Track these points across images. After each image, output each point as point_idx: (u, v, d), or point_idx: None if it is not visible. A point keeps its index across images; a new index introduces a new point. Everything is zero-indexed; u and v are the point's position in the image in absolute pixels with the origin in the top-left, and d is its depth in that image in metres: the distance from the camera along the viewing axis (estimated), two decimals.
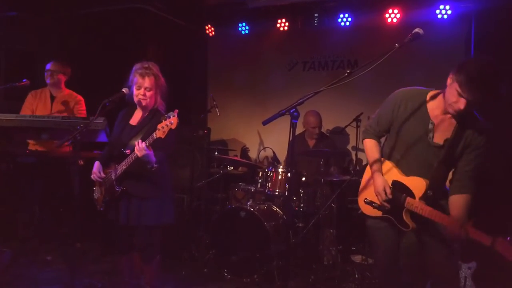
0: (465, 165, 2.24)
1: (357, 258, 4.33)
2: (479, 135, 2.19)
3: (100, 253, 4.22)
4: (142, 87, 2.82)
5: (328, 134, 5.19)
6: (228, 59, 6.22)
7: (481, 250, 3.36)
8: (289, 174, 4.07)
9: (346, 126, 4.79)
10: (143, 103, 2.86)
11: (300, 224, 4.13)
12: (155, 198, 2.85)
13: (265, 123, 2.18)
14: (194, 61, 6.30)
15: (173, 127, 2.50)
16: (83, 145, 2.82)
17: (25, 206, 4.27)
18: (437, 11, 4.79)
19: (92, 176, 2.90)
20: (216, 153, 4.71)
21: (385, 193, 2.25)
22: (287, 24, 5.50)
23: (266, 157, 5.47)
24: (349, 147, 5.46)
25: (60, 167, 4.00)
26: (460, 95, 2.02)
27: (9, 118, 3.63)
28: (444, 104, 2.15)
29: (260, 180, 4.25)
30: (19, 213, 4.32)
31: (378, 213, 2.38)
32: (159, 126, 2.52)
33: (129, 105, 2.99)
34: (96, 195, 2.97)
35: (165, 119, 2.52)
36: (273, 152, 5.14)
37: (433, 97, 2.25)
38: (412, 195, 2.25)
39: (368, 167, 2.50)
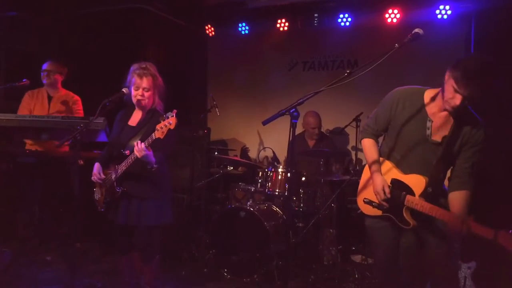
0: (464, 162, 2.26)
1: (357, 258, 4.33)
2: (477, 132, 2.22)
3: (100, 253, 4.22)
4: (140, 87, 2.82)
5: (328, 134, 5.19)
6: (228, 59, 6.22)
7: (481, 250, 3.38)
8: (289, 174, 4.07)
9: (346, 126, 4.79)
10: (142, 103, 2.86)
11: (300, 224, 4.13)
12: (154, 199, 2.86)
13: (265, 123, 2.18)
14: (194, 61, 6.30)
15: (172, 127, 2.50)
16: (83, 145, 2.82)
17: (25, 206, 4.27)
18: (437, 11, 4.79)
19: (92, 177, 2.90)
20: (216, 153, 4.71)
21: (384, 192, 2.26)
22: (287, 24, 5.50)
23: (266, 157, 5.47)
24: (349, 147, 5.46)
25: (60, 167, 4.01)
26: (456, 91, 2.04)
27: (9, 118, 3.63)
28: (441, 101, 2.17)
29: (260, 180, 4.25)
30: (19, 213, 4.31)
31: (378, 212, 2.38)
32: (157, 127, 2.52)
33: (127, 106, 2.99)
34: (97, 196, 2.97)
35: (164, 120, 2.52)
36: (273, 152, 5.14)
37: (431, 95, 2.27)
38: (411, 192, 2.26)
39: (366, 167, 2.50)
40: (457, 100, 2.06)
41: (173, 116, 2.50)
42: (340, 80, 2.11)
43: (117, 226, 2.86)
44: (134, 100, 2.87)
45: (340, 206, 4.31)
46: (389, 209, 2.31)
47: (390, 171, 2.39)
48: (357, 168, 4.79)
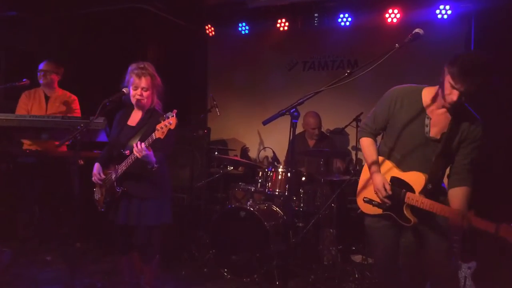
0: (463, 159, 2.28)
1: (357, 258, 4.33)
2: (475, 129, 2.24)
3: (100, 253, 4.22)
4: (139, 87, 2.82)
5: (328, 134, 5.19)
6: (228, 59, 6.22)
7: (481, 250, 3.38)
8: (289, 174, 4.07)
9: (346, 126, 4.79)
10: (141, 103, 2.86)
11: (300, 224, 4.13)
12: (155, 199, 2.86)
13: (265, 123, 2.19)
14: (194, 61, 6.30)
15: (172, 127, 2.50)
16: (83, 144, 2.82)
17: (25, 206, 4.27)
18: (437, 11, 4.80)
19: (93, 178, 2.90)
20: (216, 153, 4.71)
21: (385, 190, 2.27)
22: (287, 24, 5.50)
23: (266, 157, 5.47)
24: (349, 147, 5.46)
25: (60, 167, 4.01)
26: (453, 87, 2.06)
27: (9, 118, 3.64)
28: (439, 98, 2.19)
29: (260, 180, 4.25)
30: (19, 213, 4.31)
31: (379, 211, 2.38)
32: (158, 127, 2.52)
33: (126, 106, 2.99)
34: (97, 196, 2.97)
35: (164, 120, 2.52)
36: (273, 152, 5.14)
37: (428, 93, 2.29)
38: (411, 190, 2.27)
39: (365, 167, 2.51)
40: (454, 96, 2.08)
41: (173, 116, 2.50)
42: (340, 80, 2.11)
43: (117, 226, 2.86)
44: (133, 100, 2.87)
45: (340, 206, 4.31)
46: (389, 207, 2.32)
47: (389, 170, 2.39)
48: (357, 168, 4.79)
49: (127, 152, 2.77)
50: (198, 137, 5.34)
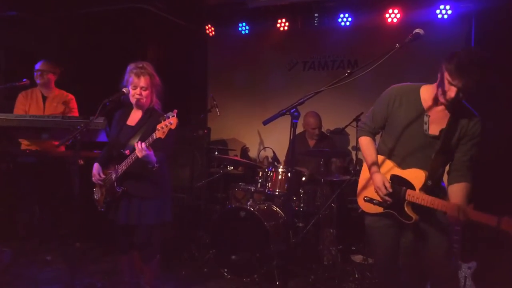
0: (462, 156, 2.29)
1: (357, 258, 4.33)
2: (474, 125, 2.25)
3: (100, 253, 4.22)
4: (138, 86, 2.83)
5: (328, 134, 5.19)
6: (228, 59, 6.22)
7: (481, 250, 3.38)
8: (289, 174, 4.07)
9: (346, 126, 4.79)
10: (140, 102, 2.86)
11: (300, 224, 4.13)
12: (155, 198, 2.86)
13: (265, 123, 2.19)
14: (194, 61, 6.30)
15: (173, 127, 2.50)
16: (83, 144, 2.82)
17: (25, 206, 4.27)
18: (437, 11, 4.80)
19: (93, 178, 2.90)
20: (216, 153, 4.71)
21: (385, 188, 2.27)
22: (287, 24, 5.50)
23: (266, 157, 5.47)
24: (350, 147, 5.46)
25: (60, 167, 4.01)
26: (450, 83, 2.08)
27: (9, 118, 3.64)
28: (437, 96, 2.20)
29: (260, 180, 4.25)
30: (19, 213, 4.32)
31: (380, 210, 2.38)
32: (158, 127, 2.52)
33: (125, 106, 3.00)
34: (97, 196, 2.97)
35: (164, 120, 2.51)
36: (273, 152, 5.14)
37: (426, 90, 2.31)
38: (412, 187, 2.28)
39: (365, 166, 2.52)
40: (452, 92, 2.09)
41: (173, 116, 2.50)
42: (340, 80, 2.12)
43: (118, 225, 2.86)
44: (132, 100, 2.87)
45: (340, 206, 4.31)
46: (390, 205, 2.32)
47: (389, 168, 2.40)
48: (357, 168, 4.79)
49: (127, 152, 2.77)
50: (198, 137, 5.34)
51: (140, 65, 2.85)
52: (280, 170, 4.15)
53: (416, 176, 2.28)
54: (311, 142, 4.88)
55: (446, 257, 2.34)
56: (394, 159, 2.41)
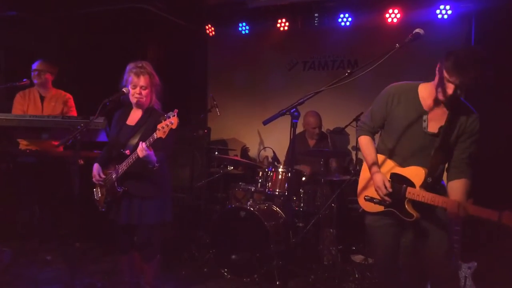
0: (461, 153, 2.30)
1: (357, 258, 4.32)
2: (472, 122, 2.27)
3: (100, 253, 4.22)
4: (137, 85, 2.83)
5: (328, 134, 5.19)
6: (228, 59, 6.22)
7: (481, 250, 3.38)
8: (289, 174, 4.07)
9: (346, 126, 4.79)
10: (140, 101, 2.86)
11: (300, 224, 4.13)
12: (155, 198, 2.86)
13: (265, 123, 2.19)
14: (194, 61, 6.30)
15: (174, 127, 2.50)
16: (83, 144, 2.82)
17: (25, 205, 4.27)
18: (437, 11, 4.80)
19: (93, 179, 2.90)
20: (216, 152, 4.71)
21: (385, 187, 2.27)
22: (287, 24, 5.50)
23: (266, 157, 5.47)
24: (350, 147, 5.46)
25: (60, 167, 4.00)
26: (448, 80, 2.09)
27: (9, 118, 3.64)
28: (435, 93, 2.21)
29: (260, 180, 4.25)
30: (19, 213, 4.32)
31: (380, 208, 2.39)
32: (159, 126, 2.52)
33: (125, 105, 3.00)
34: (97, 196, 2.97)
35: (165, 119, 2.51)
36: (273, 152, 5.14)
37: (425, 88, 2.32)
38: (412, 184, 2.28)
39: (364, 165, 2.52)
40: (450, 89, 2.10)
41: (174, 115, 2.50)
42: (340, 80, 2.12)
43: (118, 225, 2.86)
44: (132, 99, 2.87)
45: (340, 206, 4.31)
46: (391, 204, 2.33)
47: (388, 166, 2.41)
48: (357, 168, 4.79)
49: (127, 151, 2.77)
50: (198, 137, 5.34)
51: (140, 65, 2.86)
52: (280, 170, 4.15)
53: (416, 173, 2.28)
54: (311, 142, 4.88)
55: (446, 257, 2.34)
56: (393, 157, 2.42)
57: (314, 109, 4.78)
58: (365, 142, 2.50)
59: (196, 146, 5.24)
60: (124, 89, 2.84)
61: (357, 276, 3.80)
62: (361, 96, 5.21)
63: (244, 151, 5.68)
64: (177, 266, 3.98)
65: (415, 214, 2.26)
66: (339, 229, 4.24)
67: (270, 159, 5.28)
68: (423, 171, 2.26)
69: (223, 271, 3.84)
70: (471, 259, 3.19)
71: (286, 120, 2.23)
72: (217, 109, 4.79)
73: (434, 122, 2.29)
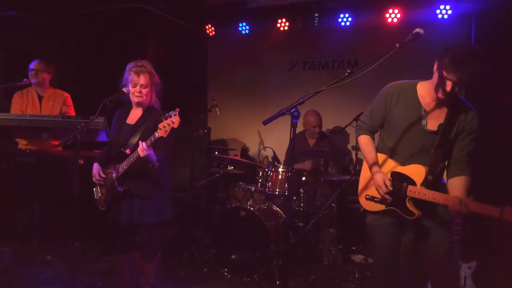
0: (460, 151, 2.32)
1: (357, 258, 4.33)
2: (471, 120, 2.28)
3: (100, 252, 4.22)
4: (137, 84, 2.84)
5: (328, 134, 5.19)
6: (228, 59, 6.22)
7: (481, 250, 3.38)
8: (289, 174, 4.07)
9: (346, 126, 4.79)
10: (140, 100, 2.86)
11: (300, 224, 4.13)
12: (156, 197, 2.86)
13: (265, 122, 2.19)
14: (194, 61, 6.30)
15: (176, 126, 2.51)
16: (83, 144, 2.82)
17: (25, 205, 4.27)
18: (438, 11, 4.79)
19: (93, 178, 2.90)
20: (216, 152, 4.71)
21: (386, 185, 2.27)
22: (287, 24, 5.50)
23: (266, 156, 5.47)
24: (349, 146, 5.46)
25: (60, 167, 4.00)
26: (445, 77, 2.11)
27: (9, 118, 3.64)
28: (433, 91, 2.22)
29: (260, 180, 4.25)
30: (19, 213, 4.31)
31: (382, 207, 2.39)
32: (160, 125, 2.52)
33: (125, 105, 3.00)
34: (97, 195, 2.97)
35: (166, 118, 2.52)
36: (273, 152, 5.14)
37: (423, 86, 2.34)
38: (412, 182, 2.28)
39: (365, 165, 2.52)
40: (448, 86, 2.12)
41: (176, 114, 2.50)
42: (340, 80, 2.13)
43: (120, 225, 2.86)
44: (132, 98, 2.88)
45: (340, 205, 4.31)
46: (392, 202, 2.33)
47: (389, 165, 2.41)
48: (357, 167, 4.79)
49: (127, 150, 2.77)
50: (198, 137, 5.34)
51: (140, 64, 2.86)
52: (280, 170, 4.15)
53: (416, 171, 2.29)
54: (311, 142, 4.88)
55: (447, 256, 2.35)
56: (394, 155, 2.42)
57: (314, 108, 4.79)
58: (365, 142, 2.50)
59: (196, 146, 5.24)
60: (124, 89, 2.85)
61: (357, 276, 3.80)
62: (361, 96, 5.21)
63: (244, 151, 5.68)
64: (177, 266, 3.99)
65: (416, 212, 2.26)
66: (339, 229, 4.24)
67: (270, 159, 5.28)
68: (424, 169, 2.27)
69: (223, 271, 3.84)
70: (471, 259, 3.19)
71: (286, 120, 2.23)
72: (217, 109, 4.79)
73: (433, 120, 2.30)
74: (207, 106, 5.85)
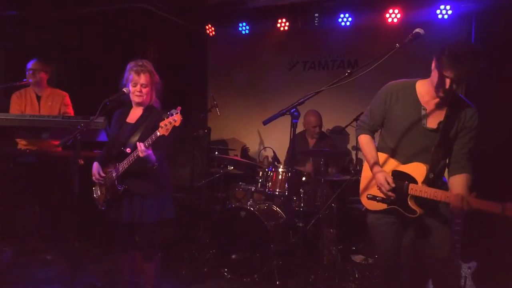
0: (461, 148, 2.32)
1: (358, 258, 4.33)
2: (471, 117, 2.29)
3: (100, 252, 4.22)
4: (138, 83, 2.84)
5: (328, 134, 5.19)
6: (228, 59, 6.22)
7: (481, 250, 3.38)
8: (289, 174, 4.07)
9: (346, 126, 4.79)
10: (140, 99, 2.87)
11: (300, 224, 4.13)
12: (156, 196, 2.87)
13: (265, 122, 2.20)
14: (194, 61, 6.30)
15: (177, 124, 2.51)
16: (83, 144, 2.82)
17: (25, 205, 4.27)
18: (438, 11, 4.80)
19: (93, 178, 2.90)
20: (216, 152, 4.71)
21: (387, 183, 2.27)
22: (287, 24, 5.50)
23: (266, 156, 5.47)
24: (349, 146, 5.46)
25: (60, 167, 4.00)
26: (443, 75, 2.12)
27: (9, 118, 3.64)
28: (432, 89, 2.23)
29: (260, 180, 4.25)
30: (19, 213, 4.31)
31: (383, 206, 2.39)
32: (161, 124, 2.52)
33: (125, 104, 3.00)
34: (96, 195, 2.97)
35: (167, 117, 2.52)
36: (273, 152, 5.14)
37: (422, 85, 2.34)
38: (414, 181, 2.28)
39: (365, 164, 2.52)
40: (446, 84, 2.12)
41: (177, 113, 2.50)
42: (340, 80, 2.13)
43: (120, 224, 2.86)
44: (132, 97, 2.88)
45: (340, 205, 4.31)
46: (394, 201, 2.33)
47: (390, 164, 2.41)
48: (358, 168, 4.78)
49: (127, 149, 2.77)
50: (198, 137, 5.34)
51: (140, 63, 2.87)
52: (280, 170, 4.15)
53: (417, 169, 2.29)
54: (311, 142, 4.88)
55: (449, 254, 2.35)
56: (394, 154, 2.42)
57: (314, 108, 4.79)
58: (365, 141, 2.51)
59: (196, 146, 5.24)
60: (124, 89, 2.85)
61: (357, 276, 3.80)
62: (361, 96, 5.20)
63: (244, 151, 5.68)
64: (177, 266, 3.98)
65: (418, 210, 2.26)
66: (339, 229, 4.24)
67: (270, 159, 5.29)
68: (425, 167, 2.27)
69: (223, 271, 3.84)
70: (471, 259, 3.19)
71: (286, 120, 2.23)
72: (217, 109, 4.79)
73: (433, 118, 2.30)
74: (207, 106, 5.85)
